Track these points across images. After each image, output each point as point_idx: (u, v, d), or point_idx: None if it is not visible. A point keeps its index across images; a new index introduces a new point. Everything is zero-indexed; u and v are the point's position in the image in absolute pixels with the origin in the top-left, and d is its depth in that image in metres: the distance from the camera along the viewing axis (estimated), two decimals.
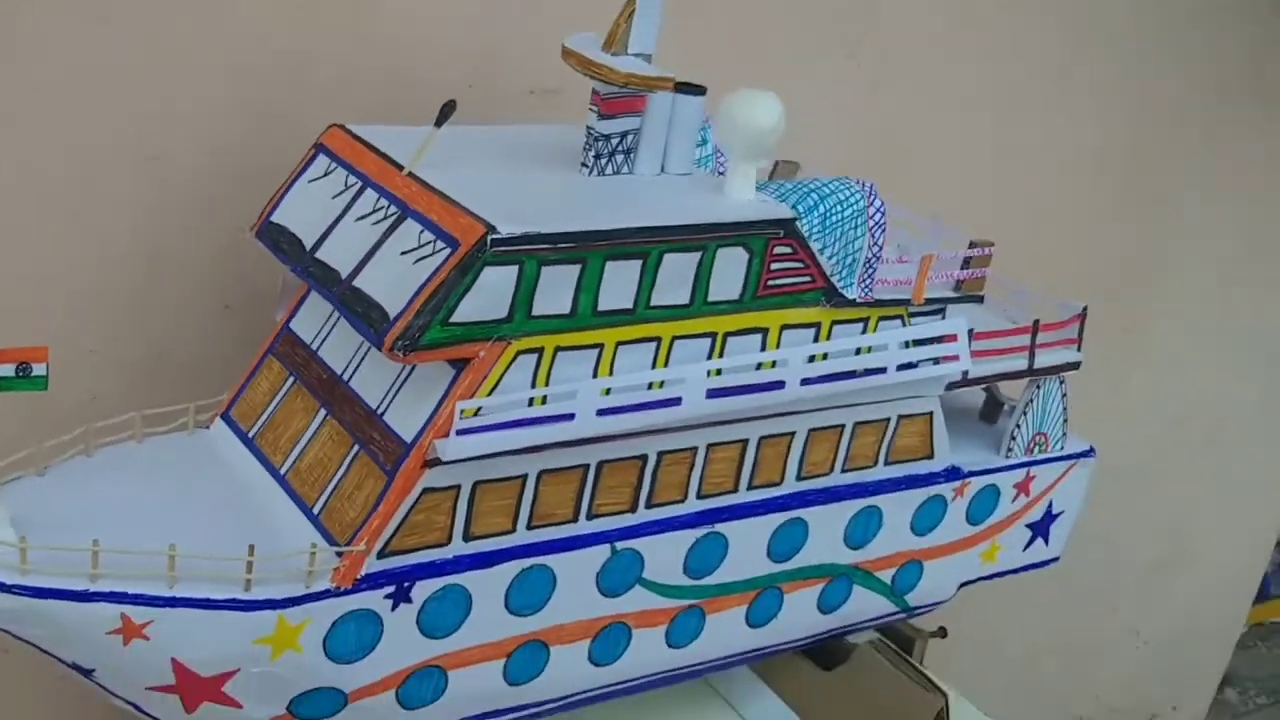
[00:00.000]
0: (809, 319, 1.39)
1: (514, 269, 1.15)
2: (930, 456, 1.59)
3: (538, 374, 1.21)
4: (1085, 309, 1.70)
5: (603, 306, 1.22)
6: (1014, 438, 1.69)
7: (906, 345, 1.46)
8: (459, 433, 1.15)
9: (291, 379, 1.34)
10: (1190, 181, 2.68)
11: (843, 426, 1.49)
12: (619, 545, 1.34)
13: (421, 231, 1.17)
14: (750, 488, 1.44)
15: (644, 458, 1.33)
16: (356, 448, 1.23)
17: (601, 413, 1.23)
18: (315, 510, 1.23)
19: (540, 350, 1.20)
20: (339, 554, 1.17)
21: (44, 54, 1.37)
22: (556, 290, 1.18)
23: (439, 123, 1.23)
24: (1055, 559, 1.85)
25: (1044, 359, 1.67)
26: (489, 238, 1.13)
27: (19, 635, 1.12)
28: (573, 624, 1.34)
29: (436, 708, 1.29)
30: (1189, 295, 2.86)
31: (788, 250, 1.33)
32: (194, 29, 1.42)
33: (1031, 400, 1.70)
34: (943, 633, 2.09)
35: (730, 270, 1.30)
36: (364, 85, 1.40)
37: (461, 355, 1.17)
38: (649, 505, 1.36)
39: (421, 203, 1.19)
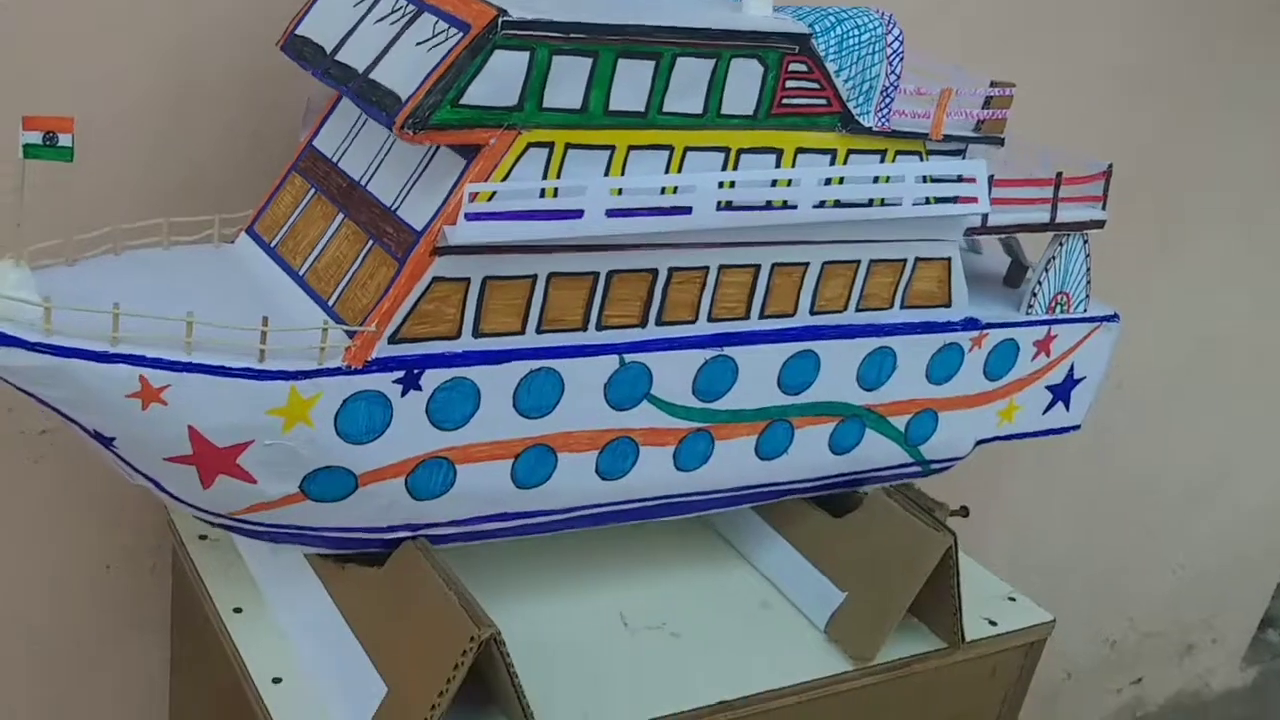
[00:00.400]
0: (825, 144, 1.40)
1: (525, 55, 1.17)
2: (948, 304, 1.60)
3: (549, 169, 1.23)
4: (1110, 166, 1.69)
5: (614, 106, 1.25)
6: (1035, 294, 1.70)
7: (924, 180, 1.47)
8: (468, 217, 1.19)
9: (313, 191, 1.38)
10: (1227, 99, 2.64)
11: (858, 263, 1.50)
12: (627, 358, 1.36)
13: (436, 22, 1.20)
14: (763, 316, 1.46)
15: (654, 272, 1.35)
16: (371, 242, 1.27)
17: (611, 213, 1.26)
18: (330, 302, 1.27)
19: (551, 145, 1.23)
20: (350, 334, 1.21)
21: None
22: (568, 83, 1.21)
23: None
24: (1076, 426, 1.85)
25: (1067, 214, 1.67)
26: (500, 20, 1.16)
27: (44, 399, 1.17)
28: (580, 433, 1.37)
29: (446, 500, 1.33)
30: (1225, 213, 2.82)
31: (803, 68, 1.34)
32: None
33: (1054, 258, 1.70)
34: (964, 511, 2.10)
35: (744, 83, 1.31)
36: None
37: (472, 140, 1.19)
38: (659, 322, 1.38)
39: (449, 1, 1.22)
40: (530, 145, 1.22)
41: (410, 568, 1.34)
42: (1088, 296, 1.75)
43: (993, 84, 1.52)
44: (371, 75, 1.22)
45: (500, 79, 1.17)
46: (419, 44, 1.20)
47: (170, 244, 1.36)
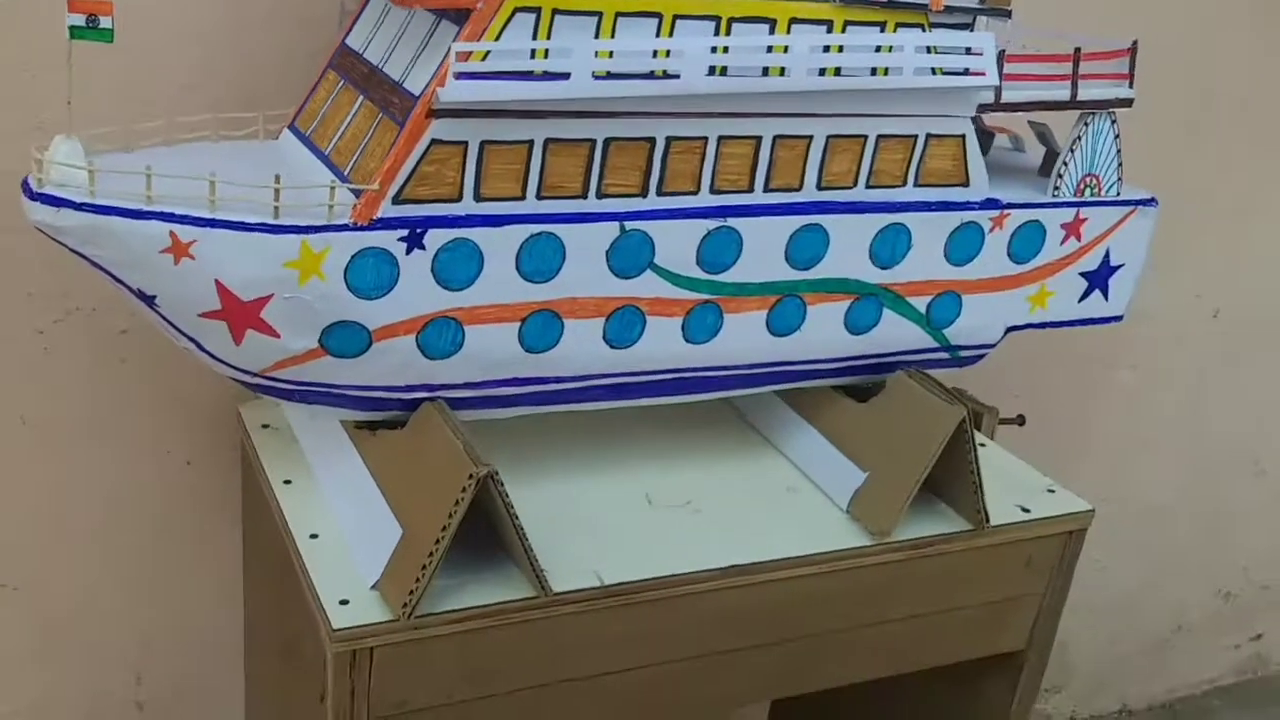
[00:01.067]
0: (819, 14, 1.45)
1: None
2: (965, 184, 1.63)
3: (537, 32, 1.32)
4: (1135, 43, 1.69)
5: None
6: (1060, 175, 1.70)
7: (928, 51, 1.51)
8: (457, 77, 1.28)
9: (342, 82, 1.49)
10: None
11: (865, 138, 1.54)
12: (628, 225, 1.44)
13: None
14: (767, 189, 1.51)
15: (652, 141, 1.42)
16: (381, 114, 1.38)
17: (598, 77, 1.33)
18: (346, 171, 1.38)
19: (539, 10, 1.31)
20: (356, 193, 1.32)
21: None
22: None
23: None
24: (1119, 317, 1.84)
25: (1090, 91, 1.67)
26: None
27: (94, 259, 1.31)
28: (585, 299, 1.45)
29: (457, 361, 1.42)
30: None
31: None
32: None
33: (1079, 138, 1.70)
34: (1020, 420, 2.11)
35: None
36: None
37: (460, 4, 1.29)
38: (660, 192, 1.45)
39: None
40: (517, 9, 1.30)
41: (426, 424, 1.44)
42: (1120, 180, 1.74)
43: None
44: None
45: None
46: None
47: (219, 138, 1.50)
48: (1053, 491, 1.80)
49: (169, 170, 1.29)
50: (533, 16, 1.31)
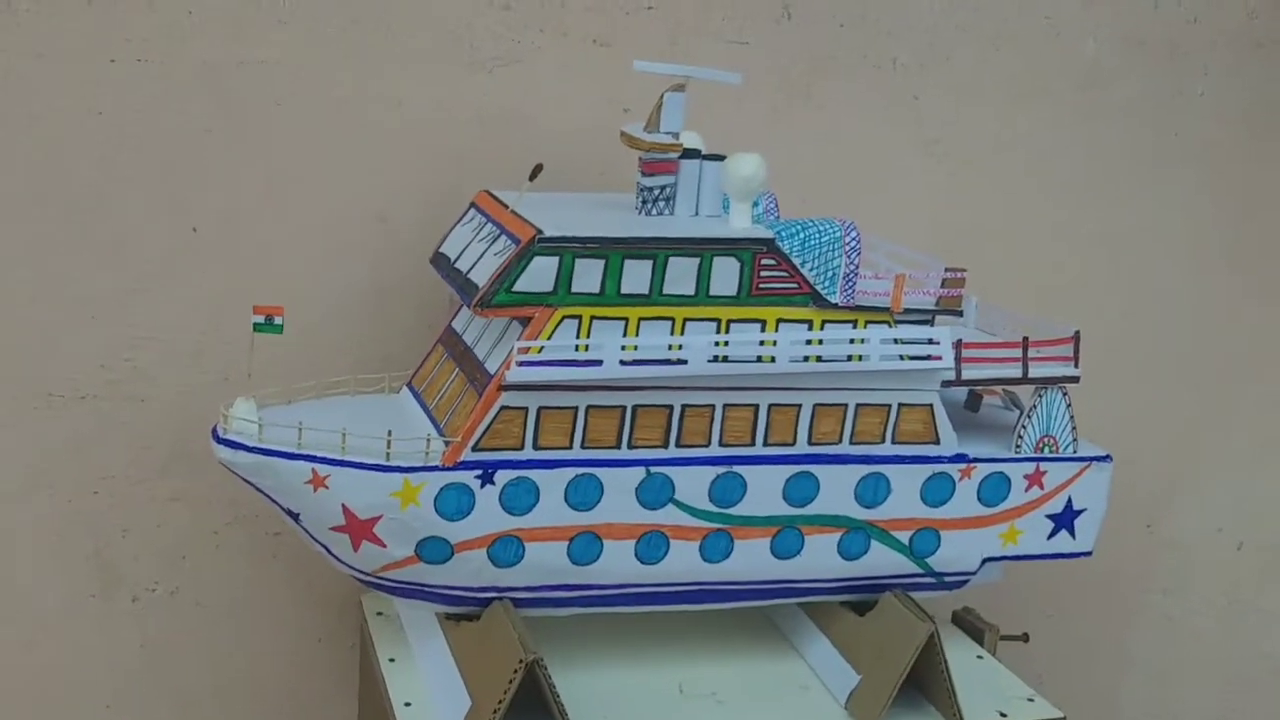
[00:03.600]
0: (801, 316, 1.91)
1: (555, 259, 1.78)
2: (936, 442, 2.03)
3: (579, 333, 1.82)
4: (1077, 333, 2.09)
5: (625, 290, 1.82)
6: (1020, 435, 2.09)
7: (894, 342, 1.95)
8: (519, 364, 1.78)
9: (446, 355, 2.02)
10: None
11: (845, 406, 1.97)
12: (653, 469, 1.89)
13: (505, 239, 1.83)
14: (766, 444, 1.95)
15: (670, 407, 1.88)
16: (468, 385, 1.89)
17: (623, 363, 1.82)
18: (442, 424, 1.89)
19: (580, 317, 1.81)
20: (446, 443, 1.82)
21: (309, 149, 2.19)
22: (589, 275, 1.80)
23: (531, 178, 1.89)
24: (1088, 552, 2.18)
25: (1039, 370, 2.07)
26: (537, 237, 1.77)
27: (258, 486, 1.82)
28: (619, 524, 1.89)
29: (519, 569, 1.87)
30: None
31: (772, 262, 1.87)
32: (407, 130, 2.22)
33: (1035, 406, 2.09)
34: (1025, 638, 2.43)
35: (726, 273, 1.86)
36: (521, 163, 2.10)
37: (522, 314, 1.80)
38: (678, 444, 1.90)
39: (512, 225, 1.85)
40: (564, 317, 1.80)
41: (493, 619, 1.88)
42: (1074, 440, 2.12)
43: (947, 269, 1.99)
44: (468, 275, 1.86)
45: (539, 274, 1.78)
46: (496, 254, 1.83)
47: (356, 392, 2.03)
48: (1031, 700, 2.12)
49: (315, 422, 1.81)
50: (576, 321, 1.81)
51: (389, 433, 1.80)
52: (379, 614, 2.19)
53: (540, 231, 1.78)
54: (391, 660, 2.05)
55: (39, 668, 2.29)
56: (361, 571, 1.89)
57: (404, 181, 2.18)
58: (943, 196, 2.59)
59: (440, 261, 1.99)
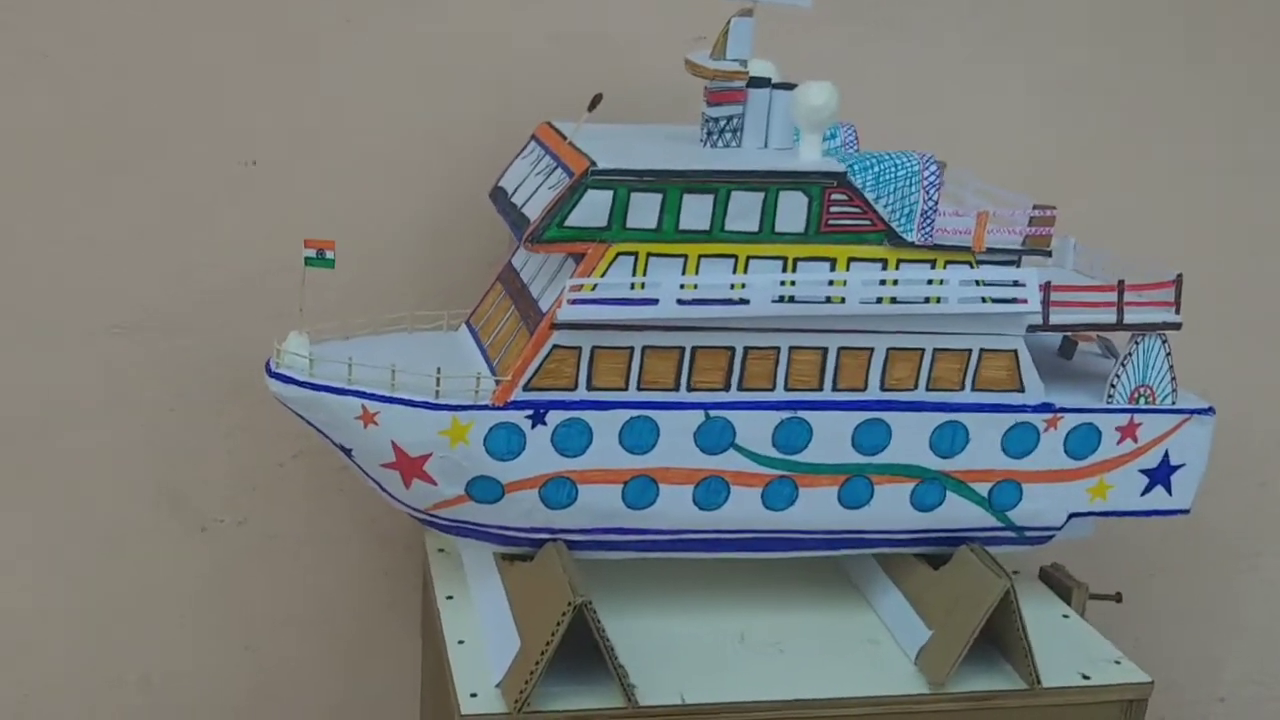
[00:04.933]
0: (875, 255, 1.80)
1: (609, 192, 1.70)
2: (1020, 389, 1.91)
3: (635, 271, 1.73)
4: (1180, 276, 1.93)
5: (684, 226, 1.73)
6: (1114, 386, 1.96)
7: (975, 284, 1.82)
8: (570, 303, 1.71)
9: (504, 293, 1.96)
10: None
11: (922, 350, 1.86)
12: (712, 413, 1.81)
13: (560, 172, 1.75)
14: (835, 389, 1.85)
15: (731, 349, 1.80)
16: (522, 324, 1.82)
17: (681, 303, 1.73)
18: (495, 362, 1.83)
19: (635, 254, 1.73)
20: (497, 382, 1.76)
21: (370, 77, 2.13)
22: (645, 211, 1.71)
23: (590, 108, 1.81)
24: (1185, 510, 2.04)
25: (1136, 315, 1.93)
26: (590, 170, 1.69)
27: (311, 421, 1.80)
28: (676, 469, 1.82)
29: (572, 511, 1.82)
30: None
31: (843, 197, 1.76)
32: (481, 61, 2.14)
33: (1130, 354, 1.95)
34: (1117, 598, 2.31)
35: (793, 209, 1.75)
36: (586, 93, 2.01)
37: (575, 250, 1.73)
38: (740, 388, 1.82)
39: (568, 158, 1.77)
40: (619, 254, 1.73)
41: (546, 560, 1.84)
42: (1174, 390, 1.97)
43: (1035, 206, 1.85)
44: (523, 209, 1.79)
45: (592, 208, 1.70)
46: (550, 188, 1.76)
47: (413, 329, 1.99)
48: (1118, 663, 2.00)
49: (367, 358, 1.77)
50: (631, 259, 1.73)
51: (438, 370, 1.75)
52: (440, 550, 2.16)
53: (594, 163, 1.70)
54: (450, 598, 2.02)
55: (108, 592, 2.33)
56: (414, 509, 1.86)
57: (467, 111, 2.12)
58: (1039, 132, 2.43)
59: (498, 195, 1.92)
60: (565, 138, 1.83)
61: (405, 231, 2.21)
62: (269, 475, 2.31)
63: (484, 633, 1.90)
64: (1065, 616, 2.13)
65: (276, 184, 2.15)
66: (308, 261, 1.79)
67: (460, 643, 1.90)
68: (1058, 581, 2.21)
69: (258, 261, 2.14)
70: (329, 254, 1.79)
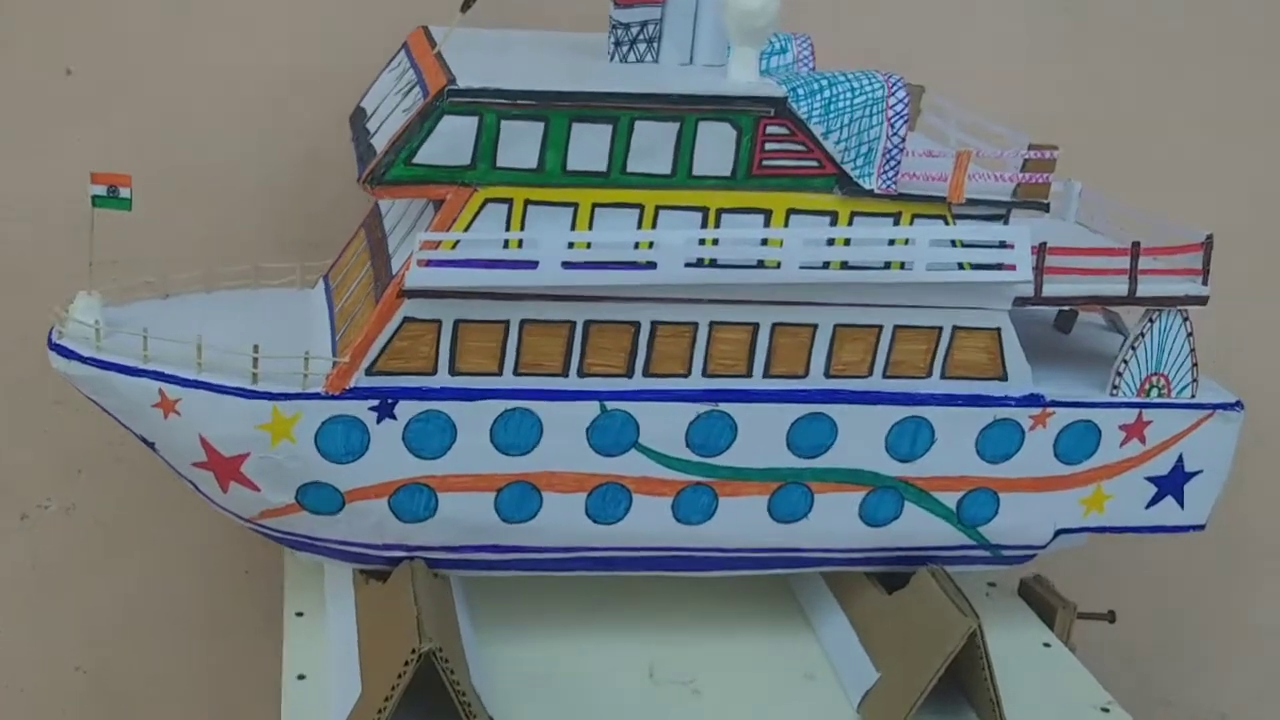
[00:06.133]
0: (820, 205, 1.41)
1: (473, 119, 1.30)
2: (1002, 377, 1.53)
3: (510, 223, 1.34)
4: (1210, 237, 1.54)
5: (573, 166, 1.34)
6: (1119, 374, 1.58)
7: (950, 244, 1.44)
8: (422, 264, 1.32)
9: (365, 243, 1.57)
10: None
11: (879, 328, 1.48)
12: (609, 405, 1.43)
13: (418, 91, 1.35)
14: (767, 375, 1.47)
15: (635, 324, 1.42)
16: (373, 287, 1.43)
17: (569, 265, 1.34)
18: (338, 336, 1.44)
19: (510, 201, 1.34)
20: (333, 364, 1.38)
21: None
22: (521, 145, 1.32)
23: (464, 7, 1.40)
24: (1199, 526, 1.67)
25: (1151, 287, 1.54)
26: (448, 89, 1.29)
27: (104, 406, 1.42)
28: (565, 473, 1.45)
29: (432, 525, 1.45)
30: None
31: (782, 130, 1.37)
32: None
33: (1143, 334, 1.57)
34: (1110, 617, 1.94)
35: (716, 145, 1.36)
36: None
37: (428, 195, 1.33)
38: (646, 374, 1.44)
39: (429, 72, 1.37)
40: (488, 201, 1.33)
41: (398, 588, 1.47)
42: (1194, 380, 1.59)
43: (1031, 146, 1.45)
44: (371, 139, 1.39)
45: (449, 140, 1.31)
46: (403, 111, 1.36)
47: (257, 285, 1.60)
48: (1107, 710, 1.64)
49: (180, 325, 1.39)
50: (504, 208, 1.34)
51: (255, 348, 1.36)
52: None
53: (453, 80, 1.30)
54: (300, 615, 1.66)
55: None
56: (237, 516, 1.49)
57: (341, 12, 1.67)
58: (1043, 62, 2.01)
59: (356, 119, 1.53)
60: (434, 45, 1.43)
61: (261, 163, 1.80)
62: (99, 455, 1.93)
63: (329, 667, 1.54)
64: (1046, 645, 1.77)
65: (94, 102, 1.74)
66: (97, 201, 1.40)
67: (300, 678, 1.54)
68: (1040, 599, 1.84)
69: (73, 199, 1.72)
70: (124, 191, 1.40)
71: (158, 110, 1.77)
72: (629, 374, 1.44)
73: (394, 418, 1.39)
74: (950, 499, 1.56)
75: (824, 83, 1.40)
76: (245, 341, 1.38)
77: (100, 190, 1.39)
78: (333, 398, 1.38)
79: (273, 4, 1.76)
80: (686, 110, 1.34)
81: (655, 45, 1.44)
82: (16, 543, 1.96)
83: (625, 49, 1.44)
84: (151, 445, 1.44)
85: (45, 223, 1.77)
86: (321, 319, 1.52)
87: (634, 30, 1.43)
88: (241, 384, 1.37)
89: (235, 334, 1.41)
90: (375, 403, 1.38)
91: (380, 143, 1.36)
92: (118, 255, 1.74)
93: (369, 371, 1.38)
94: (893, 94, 1.40)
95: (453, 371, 1.40)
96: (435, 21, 1.52)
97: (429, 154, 1.31)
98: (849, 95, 1.39)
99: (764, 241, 1.39)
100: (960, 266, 1.45)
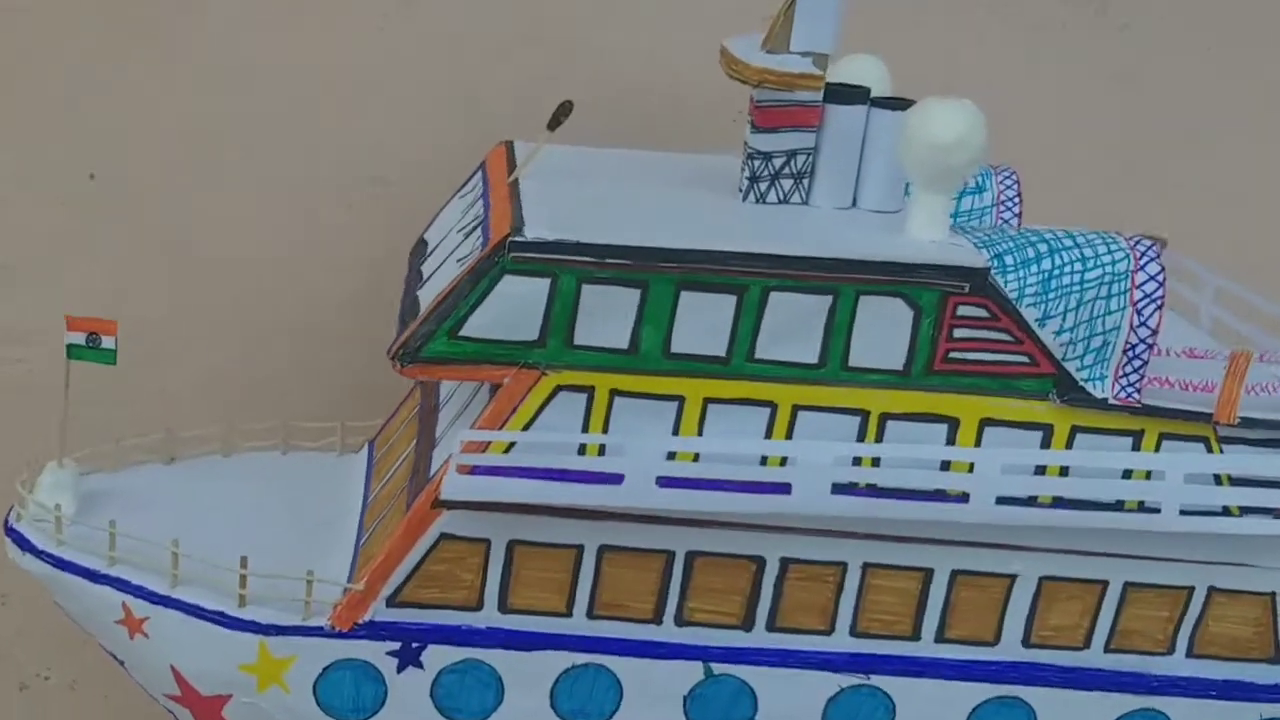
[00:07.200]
0: (1030, 416, 1.02)
1: (544, 281, 0.95)
2: (1274, 660, 1.09)
3: (589, 420, 0.98)
4: None
5: (679, 348, 0.98)
6: None
7: (1215, 480, 1.02)
8: (464, 470, 0.96)
9: (417, 408, 1.22)
10: None
11: (1103, 585, 1.06)
12: (718, 668, 1.05)
13: (479, 238, 1.01)
14: (942, 640, 1.06)
15: (759, 561, 1.03)
16: (411, 477, 1.09)
17: (666, 483, 0.97)
18: (361, 542, 1.10)
19: (590, 391, 0.98)
20: (344, 589, 1.03)
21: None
22: (609, 318, 0.97)
23: (552, 126, 1.06)
24: None
25: None
26: (509, 239, 0.94)
27: (63, 606, 1.11)
28: None
29: None
30: None
31: (980, 312, 0.98)
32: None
33: None
34: None
35: (884, 328, 0.98)
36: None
37: (479, 378, 0.98)
38: (770, 628, 1.05)
39: (497, 209, 1.03)
40: (560, 388, 0.98)
41: None
42: None
43: None
44: (418, 292, 1.05)
45: (512, 307, 0.97)
46: (459, 260, 1.01)
47: (289, 448, 1.27)
48: None
49: (172, 507, 1.10)
50: (582, 398, 0.98)
51: (243, 561, 1.02)
52: None
53: (519, 226, 0.95)
54: None
55: None
56: None
57: (412, 122, 1.42)
58: None
59: (416, 255, 1.19)
60: (513, 169, 1.09)
61: (309, 298, 1.47)
62: None
63: None
64: None
65: (119, 210, 1.44)
66: (73, 352, 1.10)
67: None
68: None
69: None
70: (106, 340, 1.09)
71: (185, 222, 1.46)
72: (746, 626, 1.05)
73: (420, 666, 1.04)
74: None
75: (1043, 246, 1.00)
76: (249, 536, 1.06)
77: (77, 338, 1.09)
78: (340, 635, 1.04)
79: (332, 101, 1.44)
80: (844, 280, 0.97)
81: (805, 182, 1.07)
82: (14, 716, 1.66)
83: (764, 185, 1.07)
84: (120, 662, 1.12)
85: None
86: (353, 507, 1.18)
87: (777, 162, 1.06)
88: (223, 607, 1.04)
89: (238, 526, 1.08)
90: (396, 645, 1.04)
91: (427, 298, 1.01)
92: (123, 398, 1.43)
93: (391, 602, 1.03)
94: (1142, 267, 0.99)
95: (503, 608, 1.04)
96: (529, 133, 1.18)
97: (482, 325, 0.96)
98: (1078, 266, 0.99)
99: (946, 464, 0.99)
100: (1225, 511, 1.03)
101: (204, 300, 1.39)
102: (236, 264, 1.48)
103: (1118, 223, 1.33)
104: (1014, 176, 1.25)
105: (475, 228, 1.07)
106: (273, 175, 1.49)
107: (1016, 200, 1.24)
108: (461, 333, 0.98)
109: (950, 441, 1.03)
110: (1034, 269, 1.02)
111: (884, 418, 1.02)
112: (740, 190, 1.10)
